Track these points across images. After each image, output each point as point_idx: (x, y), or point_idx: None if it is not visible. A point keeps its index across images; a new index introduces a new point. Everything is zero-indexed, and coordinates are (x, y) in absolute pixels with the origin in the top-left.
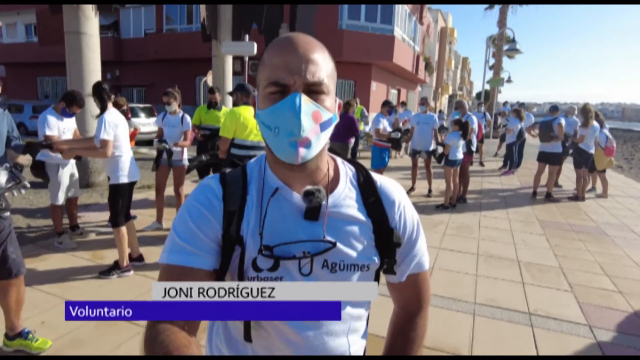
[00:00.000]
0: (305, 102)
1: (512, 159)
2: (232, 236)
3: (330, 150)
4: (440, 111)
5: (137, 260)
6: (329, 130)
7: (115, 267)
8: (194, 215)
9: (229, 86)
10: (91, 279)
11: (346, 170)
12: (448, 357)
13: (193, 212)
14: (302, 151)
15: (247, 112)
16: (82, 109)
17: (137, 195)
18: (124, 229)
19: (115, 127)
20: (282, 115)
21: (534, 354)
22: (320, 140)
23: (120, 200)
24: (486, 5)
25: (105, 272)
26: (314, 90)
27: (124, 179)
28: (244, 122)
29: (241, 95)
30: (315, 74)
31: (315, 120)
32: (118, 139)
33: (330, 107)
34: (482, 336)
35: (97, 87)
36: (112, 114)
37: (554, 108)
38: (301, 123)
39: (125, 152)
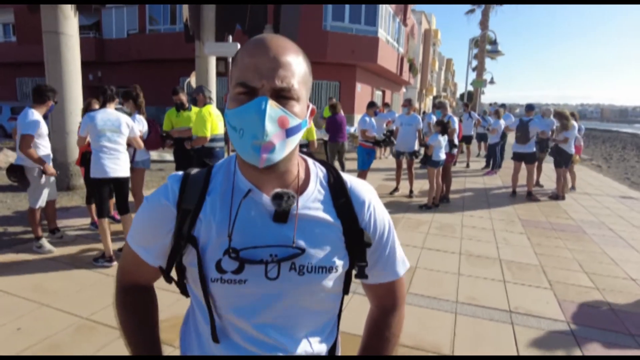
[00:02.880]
0: (271, 106)
1: (494, 159)
2: (183, 234)
3: (303, 152)
4: (424, 112)
5: None
6: (297, 136)
7: (102, 256)
8: (146, 215)
9: (213, 87)
10: (69, 284)
11: (317, 172)
12: (430, 357)
13: (145, 212)
14: (264, 156)
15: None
16: (61, 108)
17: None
18: (104, 221)
19: (94, 125)
20: (247, 117)
21: (514, 351)
22: (287, 146)
23: (96, 193)
24: (468, 8)
25: (95, 259)
26: (283, 96)
27: (93, 174)
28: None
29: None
30: (285, 79)
31: (281, 126)
32: (95, 135)
33: (299, 113)
34: (463, 334)
35: (102, 89)
36: (98, 113)
37: (530, 107)
38: (265, 127)
39: (100, 149)
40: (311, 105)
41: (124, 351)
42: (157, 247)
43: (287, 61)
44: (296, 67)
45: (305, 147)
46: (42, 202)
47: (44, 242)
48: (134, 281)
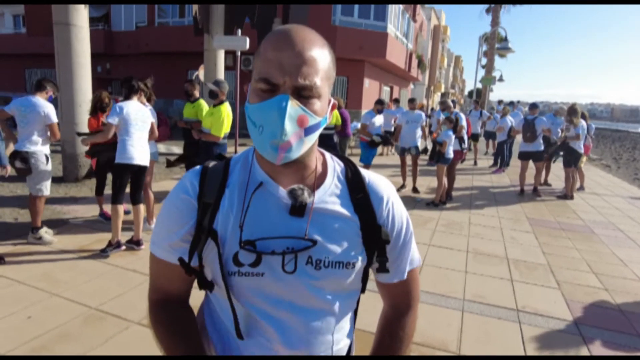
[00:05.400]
0: (292, 105)
1: (502, 157)
2: (204, 227)
3: (321, 144)
4: (432, 109)
5: (135, 244)
6: (315, 134)
7: (109, 245)
8: (169, 214)
9: None
10: (78, 274)
11: (334, 166)
12: (438, 357)
13: (167, 211)
14: (282, 155)
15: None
16: (71, 100)
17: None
18: (119, 207)
19: (127, 115)
20: (268, 115)
21: (521, 350)
22: (304, 144)
23: (117, 179)
24: (484, 7)
25: (102, 250)
26: (304, 95)
27: (119, 159)
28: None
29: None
30: (308, 77)
31: (300, 125)
32: (126, 124)
33: (319, 111)
34: (470, 332)
35: (126, 79)
36: (129, 104)
37: (534, 106)
38: (284, 127)
39: (129, 137)
40: (332, 100)
41: (133, 342)
42: (183, 247)
43: (311, 57)
44: (320, 62)
45: (332, 130)
46: (47, 190)
47: (44, 233)
48: (166, 295)
